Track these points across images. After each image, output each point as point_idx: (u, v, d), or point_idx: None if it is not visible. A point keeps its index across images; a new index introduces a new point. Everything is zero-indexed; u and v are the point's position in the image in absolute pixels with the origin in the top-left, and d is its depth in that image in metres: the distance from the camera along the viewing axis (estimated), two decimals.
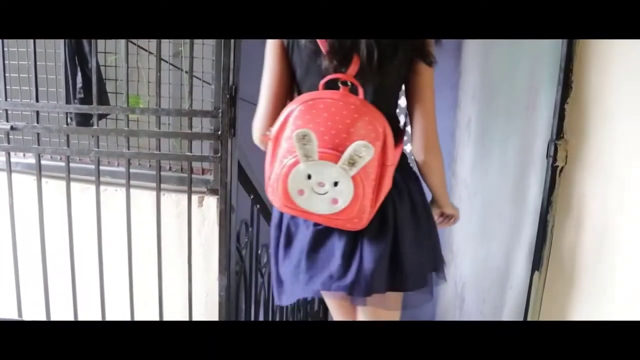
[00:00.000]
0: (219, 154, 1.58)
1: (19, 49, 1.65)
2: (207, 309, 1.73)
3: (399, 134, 1.28)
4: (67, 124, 1.64)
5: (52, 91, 1.65)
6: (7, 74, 1.63)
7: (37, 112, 1.62)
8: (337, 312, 1.49)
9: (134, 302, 1.69)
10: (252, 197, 1.96)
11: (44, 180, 1.70)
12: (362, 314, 1.41)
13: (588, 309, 1.28)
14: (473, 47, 3.16)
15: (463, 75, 3.41)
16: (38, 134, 1.63)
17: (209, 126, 1.60)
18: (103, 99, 1.64)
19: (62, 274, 1.71)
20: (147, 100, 1.69)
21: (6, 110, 1.65)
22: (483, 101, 2.84)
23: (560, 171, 1.42)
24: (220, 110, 1.55)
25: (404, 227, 1.27)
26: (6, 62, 1.63)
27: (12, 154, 1.68)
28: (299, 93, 1.25)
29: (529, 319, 1.52)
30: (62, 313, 1.74)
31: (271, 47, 1.24)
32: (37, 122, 1.62)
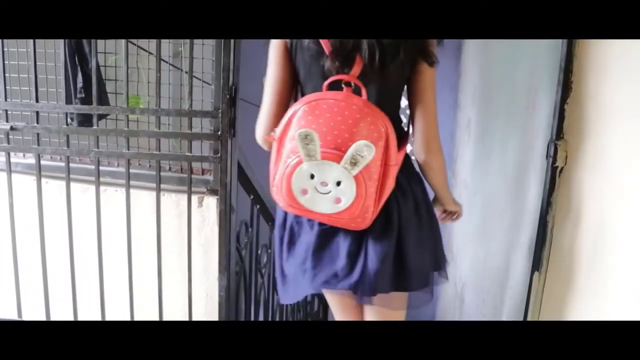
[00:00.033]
0: (219, 154, 1.58)
1: (19, 49, 1.64)
2: (207, 309, 1.73)
3: (402, 134, 1.28)
4: (67, 124, 1.64)
5: (52, 91, 1.64)
6: (7, 74, 1.63)
7: (37, 113, 1.62)
8: (339, 310, 1.49)
9: (134, 302, 1.69)
10: (252, 197, 1.96)
11: (44, 180, 1.70)
12: (370, 314, 1.43)
13: (588, 309, 1.28)
14: (473, 48, 3.15)
15: (463, 76, 3.41)
16: (38, 134, 1.63)
17: (208, 126, 1.60)
18: (103, 99, 1.64)
19: (62, 274, 1.70)
20: (147, 101, 1.69)
21: (6, 111, 1.64)
22: (483, 101, 2.84)
23: (560, 171, 1.42)
24: (220, 111, 1.54)
25: (407, 226, 1.28)
26: (6, 62, 1.63)
27: (12, 154, 1.68)
28: (302, 94, 1.26)
29: (528, 319, 1.52)
30: (61, 313, 1.74)
31: (274, 49, 1.24)
32: (37, 123, 1.62)
